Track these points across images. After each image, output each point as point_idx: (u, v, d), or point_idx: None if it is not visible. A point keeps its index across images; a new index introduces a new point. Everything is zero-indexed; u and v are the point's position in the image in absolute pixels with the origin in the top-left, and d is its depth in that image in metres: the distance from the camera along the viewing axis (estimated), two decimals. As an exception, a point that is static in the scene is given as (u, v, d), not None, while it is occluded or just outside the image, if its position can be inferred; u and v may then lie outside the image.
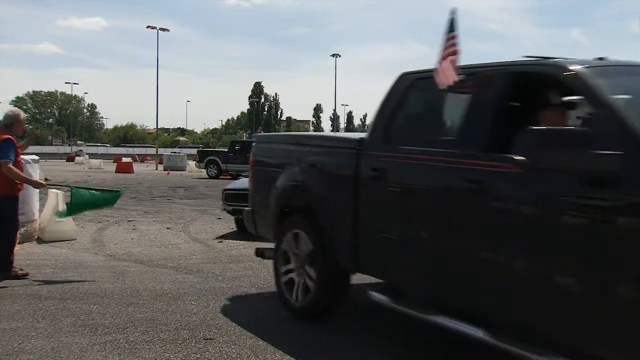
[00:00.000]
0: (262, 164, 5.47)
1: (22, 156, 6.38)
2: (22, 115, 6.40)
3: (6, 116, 6.22)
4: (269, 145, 5.72)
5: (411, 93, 4.18)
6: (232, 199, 8.85)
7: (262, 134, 7.28)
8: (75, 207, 6.46)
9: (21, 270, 6.03)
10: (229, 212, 9.18)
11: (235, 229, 9.58)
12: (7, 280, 5.80)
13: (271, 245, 5.28)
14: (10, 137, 5.97)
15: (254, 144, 5.89)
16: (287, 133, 6.95)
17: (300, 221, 4.71)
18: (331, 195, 4.39)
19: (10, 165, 5.85)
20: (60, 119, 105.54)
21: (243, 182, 9.27)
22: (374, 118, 4.33)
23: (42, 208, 8.66)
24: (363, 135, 4.43)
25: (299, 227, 4.70)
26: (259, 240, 8.40)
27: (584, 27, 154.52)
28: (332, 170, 4.48)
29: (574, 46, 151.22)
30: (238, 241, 8.54)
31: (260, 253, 5.42)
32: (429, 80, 3.78)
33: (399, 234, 3.83)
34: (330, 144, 4.84)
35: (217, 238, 8.91)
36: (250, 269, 6.62)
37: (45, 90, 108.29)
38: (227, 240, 8.64)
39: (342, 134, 7.00)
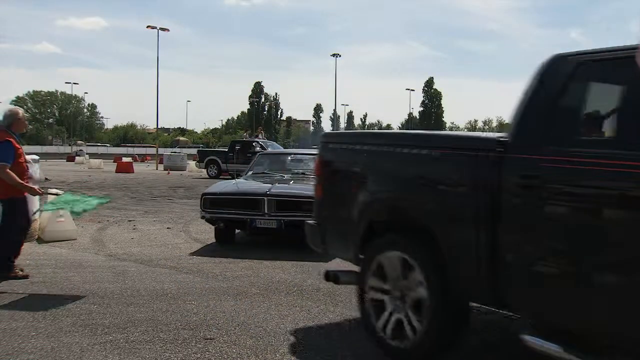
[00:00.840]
0: (337, 168, 4.51)
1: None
2: (21, 113, 6.22)
3: (4, 116, 6.08)
4: (350, 146, 4.50)
5: (580, 80, 3.25)
6: (212, 205, 7.91)
7: (334, 132, 6.14)
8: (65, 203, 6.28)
9: (21, 271, 6.02)
10: (208, 220, 8.10)
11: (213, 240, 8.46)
12: (7, 281, 5.80)
13: (343, 265, 4.83)
14: (8, 138, 5.85)
15: (322, 144, 4.76)
16: (379, 131, 5.26)
17: (403, 242, 3.80)
18: (456, 211, 3.46)
19: (7, 170, 5.72)
20: (61, 119, 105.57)
21: (225, 185, 8.73)
22: (519, 113, 3.38)
23: (42, 208, 8.66)
24: (498, 134, 3.57)
25: (401, 249, 3.77)
26: (258, 240, 8.38)
27: (583, 27, 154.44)
28: (459, 178, 3.51)
29: (573, 46, 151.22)
30: (238, 241, 8.53)
31: (332, 277, 4.32)
32: (609, 63, 3.14)
33: (572, 262, 2.97)
34: (455, 145, 3.75)
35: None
36: (251, 269, 6.63)
37: (46, 90, 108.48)
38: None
39: (466, 132, 5.66)
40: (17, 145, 5.94)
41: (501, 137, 3.40)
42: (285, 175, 8.96)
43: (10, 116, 6.08)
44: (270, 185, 8.09)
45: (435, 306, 3.51)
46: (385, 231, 3.93)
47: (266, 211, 7.60)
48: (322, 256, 7.38)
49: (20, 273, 5.96)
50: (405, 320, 3.71)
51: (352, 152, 4.42)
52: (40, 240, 8.06)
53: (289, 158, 10.35)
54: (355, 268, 4.21)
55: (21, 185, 5.80)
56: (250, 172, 9.57)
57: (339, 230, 4.37)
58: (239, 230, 10.20)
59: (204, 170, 27.02)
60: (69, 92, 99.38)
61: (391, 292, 3.83)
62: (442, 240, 3.51)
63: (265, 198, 7.64)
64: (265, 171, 9.45)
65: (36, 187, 6.19)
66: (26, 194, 6.06)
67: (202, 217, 8.13)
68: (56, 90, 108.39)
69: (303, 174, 9.11)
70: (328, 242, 4.51)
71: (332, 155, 4.62)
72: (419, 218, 3.71)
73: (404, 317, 3.73)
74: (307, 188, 7.93)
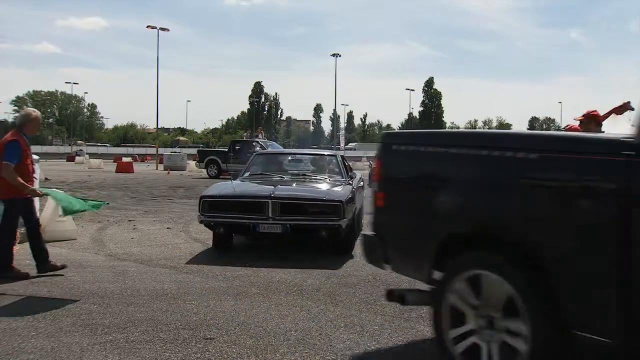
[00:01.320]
0: (406, 174, 3.91)
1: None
2: (34, 114, 6.20)
3: (19, 116, 6.19)
4: (423, 148, 3.85)
5: None
6: (211, 208, 7.27)
7: (400, 131, 4.94)
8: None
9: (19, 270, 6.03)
10: (207, 225, 7.47)
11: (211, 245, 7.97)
12: (7, 280, 5.80)
13: (406, 282, 4.60)
14: (16, 138, 5.89)
15: (383, 145, 4.08)
16: (463, 131, 3.98)
17: (496, 260, 3.17)
18: (572, 226, 2.90)
19: (11, 169, 5.75)
20: (61, 119, 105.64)
21: (225, 187, 7.86)
22: None
23: (42, 208, 8.66)
24: (623, 134, 2.98)
25: (492, 268, 3.16)
26: (259, 239, 8.38)
27: (583, 27, 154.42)
28: (575, 187, 2.94)
29: (573, 46, 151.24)
30: (238, 241, 8.53)
31: (398, 297, 3.74)
32: None
33: None
34: (564, 147, 3.12)
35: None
36: (250, 269, 6.62)
37: (46, 90, 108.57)
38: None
39: (577, 133, 4.73)
40: (25, 146, 5.95)
41: (626, 138, 2.82)
42: (285, 177, 8.44)
43: (23, 117, 6.14)
44: (272, 187, 7.52)
45: (535, 339, 2.92)
46: (468, 247, 3.36)
47: (270, 215, 7.03)
48: (322, 255, 7.41)
49: (20, 272, 5.96)
50: (492, 348, 3.14)
51: (426, 154, 3.77)
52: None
53: (288, 158, 9.97)
54: (425, 287, 3.75)
55: (22, 185, 5.80)
56: (247, 173, 8.85)
57: (407, 244, 3.83)
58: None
59: (204, 170, 27.02)
60: (69, 92, 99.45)
61: (476, 317, 3.25)
62: (552, 261, 2.95)
63: (270, 201, 7.05)
64: (263, 172, 8.83)
65: (37, 188, 6.19)
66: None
67: (201, 222, 7.41)
68: (56, 90, 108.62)
69: (303, 175, 8.69)
70: (391, 257, 3.94)
71: (399, 158, 3.97)
72: (519, 233, 3.12)
73: (489, 345, 3.16)
74: (312, 190, 7.76)
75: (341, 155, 9.93)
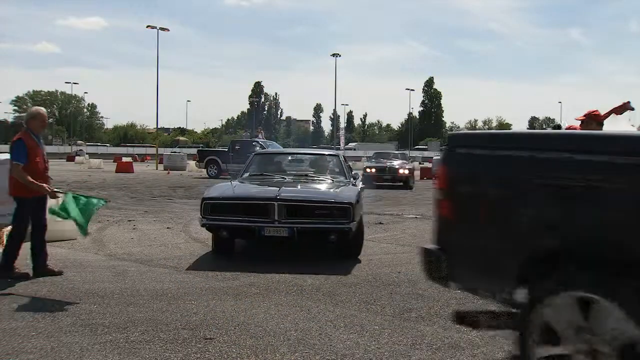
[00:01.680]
0: (478, 181, 3.41)
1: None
2: (37, 112, 6.21)
3: (26, 115, 6.19)
4: (500, 152, 3.31)
5: None
6: (214, 211, 6.90)
7: (471, 133, 4.01)
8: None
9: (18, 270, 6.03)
10: (209, 228, 7.10)
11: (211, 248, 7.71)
12: (7, 280, 5.80)
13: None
14: (21, 137, 5.91)
15: (449, 149, 3.58)
16: (554, 132, 3.52)
17: (604, 281, 2.68)
18: None
19: (20, 169, 5.80)
20: (60, 119, 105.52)
21: (227, 189, 7.38)
22: None
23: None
24: None
25: (600, 291, 2.66)
26: (260, 247, 8.38)
27: (584, 27, 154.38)
28: None
29: (573, 46, 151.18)
30: (238, 240, 8.52)
31: (470, 321, 3.38)
32: None
33: None
34: None
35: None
36: (250, 269, 6.61)
37: (46, 90, 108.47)
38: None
39: None
40: (33, 145, 5.94)
41: None
42: (287, 178, 8.04)
43: (28, 115, 6.18)
44: (277, 188, 7.13)
45: None
46: (558, 265, 2.90)
47: (276, 217, 6.68)
48: (322, 256, 7.41)
49: (20, 272, 5.97)
50: None
51: (505, 159, 3.25)
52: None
53: (288, 158, 9.65)
54: (494, 307, 3.44)
55: (31, 183, 5.83)
56: (246, 174, 8.42)
57: (482, 260, 3.37)
58: None
59: (204, 170, 27.02)
60: (68, 92, 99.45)
61: (576, 345, 2.75)
62: None
63: (275, 203, 6.70)
64: (263, 173, 8.45)
65: (53, 189, 6.14)
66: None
67: (203, 225, 7.06)
68: (56, 90, 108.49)
69: (305, 175, 8.33)
70: (459, 274, 3.49)
71: (470, 163, 3.45)
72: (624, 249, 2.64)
73: None
74: (319, 191, 7.44)
75: (343, 156, 9.65)
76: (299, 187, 7.62)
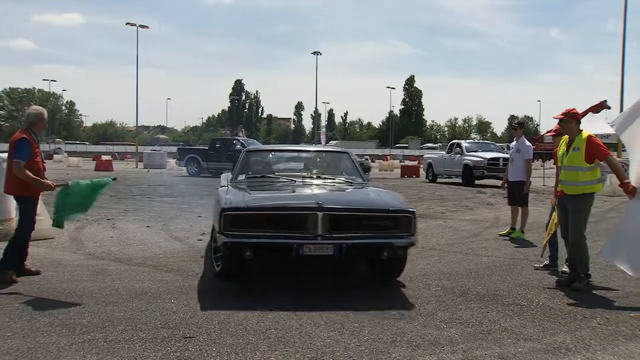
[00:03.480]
0: None
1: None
2: (44, 113, 6.19)
3: (29, 114, 6.12)
4: None
5: None
6: (237, 225, 5.28)
7: None
8: (71, 207, 5.95)
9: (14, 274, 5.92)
10: (231, 248, 5.34)
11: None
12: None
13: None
14: (25, 136, 5.88)
15: None
16: None
17: None
18: None
19: (22, 167, 5.76)
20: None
21: (250, 196, 5.82)
22: None
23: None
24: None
25: None
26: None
27: (563, 26, 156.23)
28: None
29: (553, 45, 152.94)
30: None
31: None
32: None
33: None
34: None
35: (197, 236, 8.84)
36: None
37: (22, 88, 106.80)
38: (207, 239, 8.58)
39: None
40: (34, 144, 5.93)
41: None
42: (296, 179, 6.65)
43: (35, 116, 6.09)
44: (312, 192, 6.07)
45: None
46: None
47: (320, 232, 5.22)
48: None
49: (13, 278, 5.82)
50: None
51: None
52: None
53: (290, 156, 8.24)
54: None
55: (36, 180, 5.79)
56: (241, 176, 7.00)
57: None
58: None
59: (185, 169, 26.86)
60: (46, 89, 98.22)
61: None
62: None
63: (320, 213, 5.23)
64: (265, 174, 7.04)
65: (50, 182, 6.06)
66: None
67: (223, 245, 5.34)
68: (33, 88, 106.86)
69: (318, 176, 7.00)
70: None
71: None
72: None
73: None
74: (368, 197, 6.11)
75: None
76: (336, 191, 6.40)
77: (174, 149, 40.57)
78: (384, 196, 6.06)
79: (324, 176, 7.00)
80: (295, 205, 5.52)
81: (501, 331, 4.49)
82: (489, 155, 21.67)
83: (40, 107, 6.39)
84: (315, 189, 6.29)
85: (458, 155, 22.61)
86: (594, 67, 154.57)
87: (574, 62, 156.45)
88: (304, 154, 8.37)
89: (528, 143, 9.37)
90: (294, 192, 6.10)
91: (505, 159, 20.32)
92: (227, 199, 5.61)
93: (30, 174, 5.80)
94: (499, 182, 16.81)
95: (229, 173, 7.90)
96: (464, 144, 23.73)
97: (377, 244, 5.48)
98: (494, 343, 4.20)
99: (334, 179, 6.91)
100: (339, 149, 8.74)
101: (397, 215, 5.54)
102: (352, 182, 6.83)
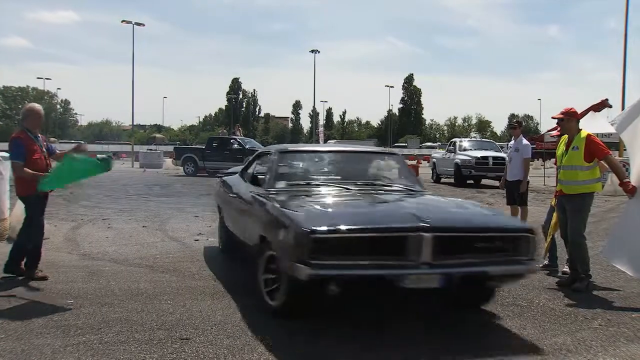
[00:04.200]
0: None
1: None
2: (32, 109, 6.06)
3: (21, 113, 6.09)
4: None
5: None
6: (326, 252, 4.11)
7: None
8: (59, 176, 5.90)
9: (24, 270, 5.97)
10: (314, 279, 4.06)
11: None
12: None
13: None
14: (16, 136, 5.84)
15: None
16: None
17: None
18: None
19: (20, 167, 5.71)
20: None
21: (328, 211, 4.72)
22: None
23: (13, 206, 8.52)
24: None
25: None
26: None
27: (562, 24, 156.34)
28: None
29: (551, 44, 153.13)
30: (216, 239, 8.48)
31: None
32: None
33: None
34: None
35: (194, 236, 8.83)
36: (228, 268, 6.59)
37: (16, 86, 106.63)
38: (204, 239, 8.58)
39: None
40: (28, 143, 5.84)
41: None
42: (355, 188, 5.63)
43: (24, 112, 6.06)
44: (407, 206, 5.14)
45: None
46: None
47: (424, 259, 4.15)
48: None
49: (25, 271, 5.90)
50: None
51: None
52: (10, 240, 7.91)
53: (332, 159, 6.67)
54: None
55: (36, 176, 5.73)
56: (281, 183, 5.76)
57: None
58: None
59: (181, 168, 26.83)
60: (41, 87, 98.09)
61: None
62: None
63: (426, 234, 4.16)
64: (309, 182, 5.87)
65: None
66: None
67: (311, 277, 4.01)
68: (27, 86, 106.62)
69: (372, 184, 5.98)
70: None
71: None
72: None
73: None
74: (472, 212, 5.13)
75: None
76: (420, 203, 5.31)
77: (170, 148, 40.52)
78: (486, 210, 5.31)
79: (379, 183, 6.04)
80: (396, 225, 4.34)
81: (501, 332, 4.49)
82: (478, 154, 21.03)
83: (30, 104, 6.33)
84: (406, 203, 5.32)
85: (452, 154, 22.37)
86: (594, 65, 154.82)
87: (574, 60, 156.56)
88: (348, 156, 6.97)
89: (526, 142, 9.38)
90: (381, 207, 5.08)
91: (496, 158, 20.18)
92: (307, 216, 4.41)
93: (30, 171, 5.74)
94: (496, 182, 16.79)
95: (238, 177, 7.04)
96: (459, 142, 23.33)
97: (491, 272, 4.44)
98: (494, 344, 4.20)
99: (391, 186, 5.95)
100: (388, 150, 7.69)
101: (516, 235, 4.56)
102: (414, 190, 5.85)
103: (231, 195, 6.74)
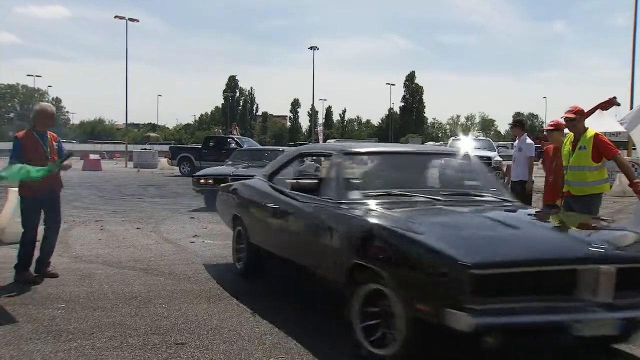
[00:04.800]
0: None
1: None
2: (39, 110, 6.06)
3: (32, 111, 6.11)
4: None
5: None
6: (490, 292, 3.29)
7: None
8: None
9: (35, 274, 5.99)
10: (478, 332, 3.19)
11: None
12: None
13: None
14: (17, 136, 5.91)
15: None
16: None
17: None
18: None
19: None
20: (22, 114, 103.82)
21: (476, 240, 3.72)
22: None
23: (1, 208, 8.52)
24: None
25: None
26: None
27: (568, 20, 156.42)
28: None
29: (556, 40, 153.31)
30: (212, 241, 8.48)
31: None
32: None
33: None
34: None
35: (189, 238, 8.82)
36: (225, 270, 6.58)
37: (5, 83, 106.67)
38: (200, 241, 8.57)
39: None
40: (30, 143, 5.87)
41: None
42: (439, 197, 4.73)
43: (34, 113, 6.07)
44: (543, 226, 4.49)
45: None
46: None
47: (602, 298, 3.40)
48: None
49: (34, 276, 5.93)
50: None
51: None
52: (0, 242, 7.92)
53: (412, 160, 5.68)
54: None
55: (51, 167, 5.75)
56: (356, 193, 4.77)
57: None
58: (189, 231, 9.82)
59: (177, 168, 26.83)
60: (31, 85, 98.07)
61: None
62: None
63: (604, 267, 3.40)
64: (389, 192, 4.79)
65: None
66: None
67: (473, 327, 3.17)
68: (17, 84, 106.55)
69: (465, 193, 5.13)
70: None
71: None
72: None
73: None
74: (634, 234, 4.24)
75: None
76: (594, 227, 4.54)
77: (165, 147, 40.52)
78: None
79: (469, 192, 5.16)
80: (566, 256, 3.53)
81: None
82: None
83: (44, 103, 6.33)
84: (540, 221, 4.61)
85: None
86: (600, 63, 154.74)
87: (579, 57, 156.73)
88: (424, 159, 5.85)
89: (529, 140, 9.38)
90: (526, 230, 4.07)
91: (481, 157, 20.25)
92: (458, 244, 3.47)
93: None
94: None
95: (265, 183, 6.01)
96: (450, 140, 23.33)
97: None
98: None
99: (483, 196, 5.06)
100: (460, 150, 6.42)
101: None
102: (510, 202, 4.98)
103: (270, 205, 5.49)
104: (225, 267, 6.74)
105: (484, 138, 34.67)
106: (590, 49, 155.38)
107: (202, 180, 12.57)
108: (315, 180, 5.34)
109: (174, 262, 7.07)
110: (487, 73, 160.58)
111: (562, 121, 6.25)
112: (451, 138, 25.33)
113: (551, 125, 6.98)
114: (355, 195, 4.73)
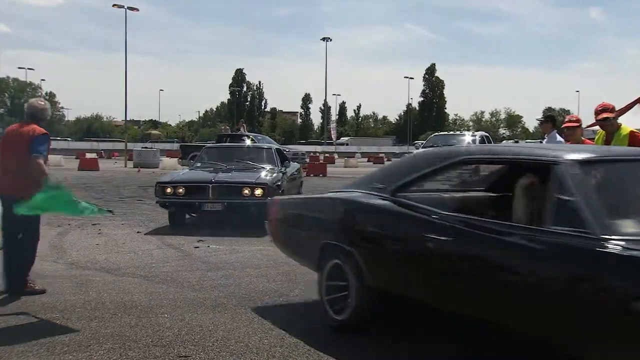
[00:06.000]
0: None
1: None
2: (37, 104, 6.11)
3: (35, 108, 6.01)
4: None
5: None
6: None
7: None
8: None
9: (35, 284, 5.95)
10: None
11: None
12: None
13: None
14: (47, 132, 5.87)
15: None
16: None
17: None
18: None
19: (42, 162, 5.64)
20: (13, 109, 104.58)
21: None
22: None
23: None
24: None
25: None
26: (241, 245, 8.35)
27: (604, 6, 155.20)
28: None
29: (592, 28, 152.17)
30: (218, 246, 8.50)
31: None
32: None
33: None
34: None
35: (193, 243, 8.84)
36: (231, 277, 6.59)
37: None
38: (205, 246, 8.58)
39: None
40: (4, 140, 5.94)
41: None
42: None
43: (38, 109, 6.04)
44: None
45: None
46: None
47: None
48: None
49: (37, 287, 5.88)
50: None
51: None
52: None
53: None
54: None
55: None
56: (617, 223, 3.30)
57: None
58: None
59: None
60: (22, 78, 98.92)
61: None
62: None
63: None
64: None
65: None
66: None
67: None
68: (7, 77, 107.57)
69: None
70: None
71: None
72: None
73: None
74: None
75: None
76: None
77: (167, 146, 40.70)
78: None
79: None
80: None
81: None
82: None
83: (32, 99, 6.34)
84: None
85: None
86: (638, 52, 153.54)
87: (617, 46, 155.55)
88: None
89: (560, 138, 9.28)
90: None
91: None
92: None
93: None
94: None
95: (407, 208, 4.38)
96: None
97: None
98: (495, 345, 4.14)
99: None
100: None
101: None
102: None
103: (431, 236, 4.02)
104: (231, 275, 6.73)
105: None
106: (629, 37, 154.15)
107: (168, 190, 10.12)
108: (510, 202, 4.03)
109: (177, 269, 7.09)
110: (514, 65, 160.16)
111: (590, 119, 6.22)
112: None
113: (573, 122, 6.89)
114: (623, 226, 3.33)
